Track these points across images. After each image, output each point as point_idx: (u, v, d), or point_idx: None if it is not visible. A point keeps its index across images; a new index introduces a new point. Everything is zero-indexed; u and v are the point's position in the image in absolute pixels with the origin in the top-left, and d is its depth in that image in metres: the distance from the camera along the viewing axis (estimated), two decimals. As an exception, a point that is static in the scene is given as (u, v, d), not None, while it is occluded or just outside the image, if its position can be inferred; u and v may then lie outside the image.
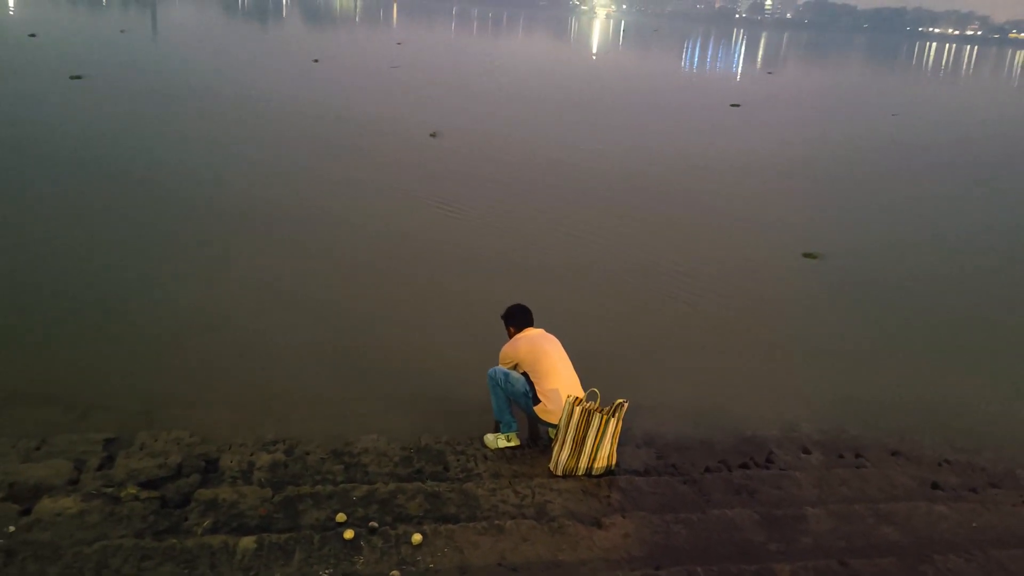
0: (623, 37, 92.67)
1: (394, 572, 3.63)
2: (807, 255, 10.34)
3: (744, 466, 5.35)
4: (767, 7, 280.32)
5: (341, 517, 4.10)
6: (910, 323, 8.61)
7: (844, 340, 7.98)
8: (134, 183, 11.15)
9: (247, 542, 3.74)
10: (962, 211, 14.36)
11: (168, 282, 7.85)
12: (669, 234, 11.12)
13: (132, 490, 4.19)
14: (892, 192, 15.20)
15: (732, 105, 26.89)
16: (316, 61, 29.30)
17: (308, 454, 4.98)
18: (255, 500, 4.24)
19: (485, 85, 27.77)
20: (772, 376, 7.06)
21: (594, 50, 62.52)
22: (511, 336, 5.42)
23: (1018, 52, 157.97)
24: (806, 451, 5.68)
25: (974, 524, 4.63)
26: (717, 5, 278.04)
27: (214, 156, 13.27)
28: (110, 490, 4.20)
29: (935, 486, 5.22)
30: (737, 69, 51.95)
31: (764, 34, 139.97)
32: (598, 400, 4.85)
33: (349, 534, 3.85)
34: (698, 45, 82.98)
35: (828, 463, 5.49)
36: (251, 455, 4.90)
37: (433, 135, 16.52)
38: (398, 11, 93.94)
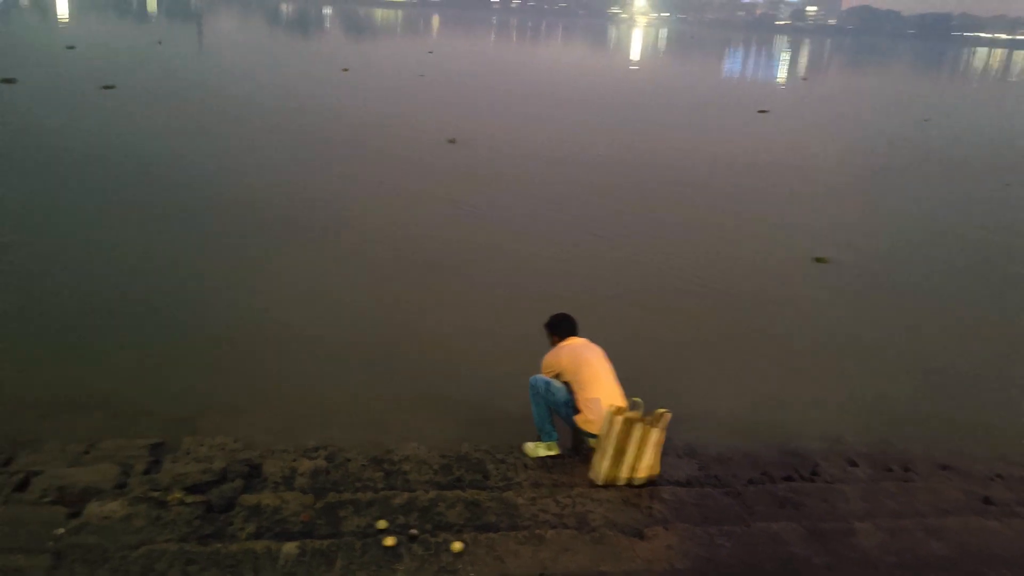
0: (662, 45, 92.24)
1: (435, 580, 3.64)
2: (818, 259, 10.31)
3: (789, 478, 5.25)
4: (809, 13, 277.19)
5: (382, 524, 4.11)
6: (951, 332, 8.40)
7: (886, 349, 7.81)
8: (166, 186, 11.43)
9: (290, 548, 3.77)
10: (991, 212, 14.03)
11: (210, 289, 7.98)
12: (700, 240, 11.01)
13: (178, 495, 4.25)
14: (915, 194, 14.95)
15: (760, 111, 26.61)
16: (345, 70, 29.70)
17: (349, 461, 5.01)
18: (297, 506, 4.28)
19: (507, 93, 27.95)
20: (815, 387, 6.93)
21: (633, 58, 62.37)
22: (553, 345, 5.40)
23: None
24: (852, 464, 5.57)
25: (1029, 541, 4.49)
26: (758, 12, 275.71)
27: (244, 159, 13.60)
28: (156, 494, 4.27)
29: (987, 501, 5.07)
30: (773, 75, 51.49)
31: (807, 40, 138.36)
32: (640, 409, 4.80)
33: (390, 541, 3.86)
34: (738, 52, 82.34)
35: (875, 476, 5.37)
36: (293, 461, 4.94)
37: (451, 141, 16.66)
38: (439, 22, 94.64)
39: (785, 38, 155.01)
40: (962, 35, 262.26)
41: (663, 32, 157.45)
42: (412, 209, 11.38)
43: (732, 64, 62.55)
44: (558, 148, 17.21)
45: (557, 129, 19.93)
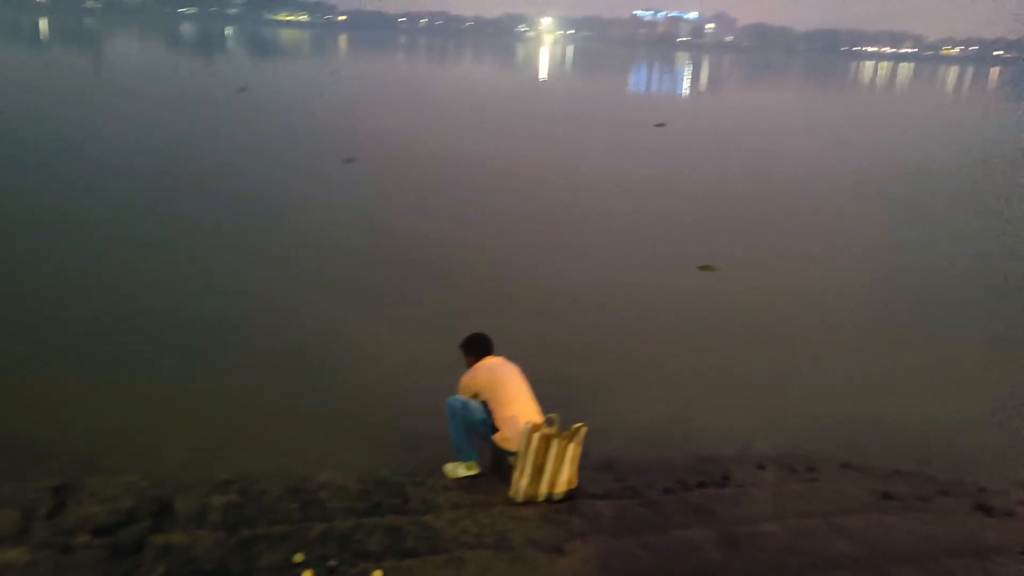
0: (568, 61, 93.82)
1: (354, 611, 3.59)
2: (704, 267, 10.69)
3: (702, 485, 5.40)
4: (708, 31, 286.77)
5: (299, 557, 4.04)
6: (849, 336, 8.82)
7: (789, 355, 8.13)
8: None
9: (202, 588, 3.66)
10: (875, 224, 14.73)
11: (104, 316, 7.71)
12: (601, 255, 11.26)
13: (84, 538, 4.08)
14: (818, 207, 15.66)
15: (657, 125, 27.52)
16: (243, 90, 29.00)
17: (264, 493, 4.89)
18: (209, 543, 4.16)
19: (407, 110, 28.01)
20: (724, 395, 7.16)
21: (542, 75, 63.27)
22: (470, 365, 5.42)
23: (951, 68, 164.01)
24: (761, 467, 5.77)
25: (926, 533, 4.75)
26: (660, 30, 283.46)
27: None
28: (61, 539, 4.08)
29: (887, 496, 5.33)
30: (674, 90, 53.08)
31: (706, 58, 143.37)
32: (556, 425, 4.87)
33: (308, 575, 3.79)
34: (641, 69, 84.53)
35: (782, 478, 5.58)
36: (205, 497, 4.80)
37: (348, 161, 16.60)
38: (347, 42, 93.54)
39: (687, 55, 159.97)
40: (851, 49, 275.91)
41: (569, 49, 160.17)
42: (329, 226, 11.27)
43: (635, 80, 64.12)
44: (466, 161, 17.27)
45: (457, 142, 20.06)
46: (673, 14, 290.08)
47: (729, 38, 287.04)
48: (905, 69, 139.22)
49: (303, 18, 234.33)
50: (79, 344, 7.21)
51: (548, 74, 62.42)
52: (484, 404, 5.24)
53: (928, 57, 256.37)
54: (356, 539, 4.28)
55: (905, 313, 9.64)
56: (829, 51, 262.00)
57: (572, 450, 4.83)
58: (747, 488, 5.30)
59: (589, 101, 37.03)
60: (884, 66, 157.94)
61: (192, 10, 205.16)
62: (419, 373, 6.91)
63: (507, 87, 45.51)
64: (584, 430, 4.87)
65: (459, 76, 52.86)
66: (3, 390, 6.27)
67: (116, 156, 15.64)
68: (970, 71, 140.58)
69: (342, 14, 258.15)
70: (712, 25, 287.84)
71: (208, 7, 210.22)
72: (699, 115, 35.30)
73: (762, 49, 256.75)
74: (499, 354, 5.46)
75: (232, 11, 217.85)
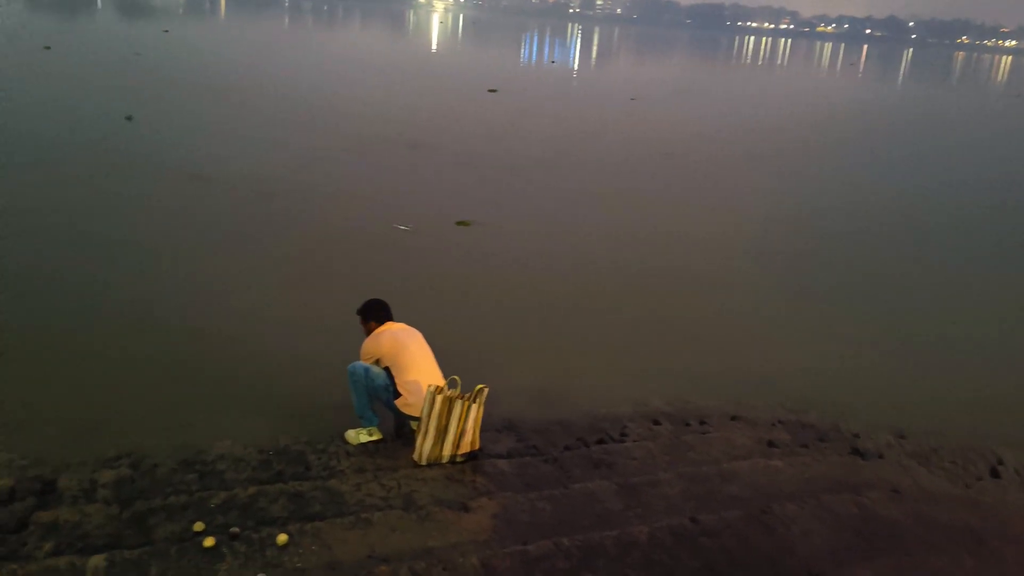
0: (459, 31, 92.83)
1: (260, 575, 3.53)
2: (460, 223, 10.89)
3: (601, 441, 5.58)
4: (598, 3, 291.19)
5: (199, 526, 3.93)
6: (735, 292, 9.25)
7: (677, 316, 8.47)
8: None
9: (96, 560, 3.52)
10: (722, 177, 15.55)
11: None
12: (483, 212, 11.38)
13: (-43, 519, 3.83)
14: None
15: (490, 90, 27.94)
16: (48, 48, 26.38)
17: (157, 466, 4.72)
18: (101, 518, 3.98)
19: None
20: (621, 355, 7.38)
21: (432, 44, 62.49)
22: (369, 332, 5.36)
23: (826, 44, 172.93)
24: (656, 423, 6.00)
25: (807, 475, 5.08)
26: (551, 1, 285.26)
27: None
28: (-69, 521, 3.82)
29: (771, 444, 5.66)
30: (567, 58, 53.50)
31: (596, 29, 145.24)
32: (459, 387, 4.90)
33: (209, 542, 3.70)
34: (531, 38, 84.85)
35: (676, 432, 5.83)
36: (92, 473, 4.58)
37: (128, 118, 16.00)
38: (226, 5, 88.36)
39: (577, 25, 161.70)
40: (735, 24, 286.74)
41: (460, 17, 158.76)
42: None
43: (520, 49, 64.23)
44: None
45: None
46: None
47: (618, 11, 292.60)
48: (782, 45, 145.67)
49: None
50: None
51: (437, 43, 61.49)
52: (386, 370, 5.21)
53: (805, 33, 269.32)
54: (259, 506, 4.20)
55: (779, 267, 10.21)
56: (715, 26, 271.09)
57: (475, 411, 4.88)
58: (643, 442, 5.50)
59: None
60: (765, 41, 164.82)
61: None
62: (315, 343, 6.79)
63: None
64: (486, 391, 4.93)
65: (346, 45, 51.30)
66: None
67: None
68: (842, 48, 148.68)
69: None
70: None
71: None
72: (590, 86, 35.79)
73: (649, 21, 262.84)
74: (398, 320, 5.43)
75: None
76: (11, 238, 8.71)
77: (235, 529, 3.86)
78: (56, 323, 6.83)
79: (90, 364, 6.18)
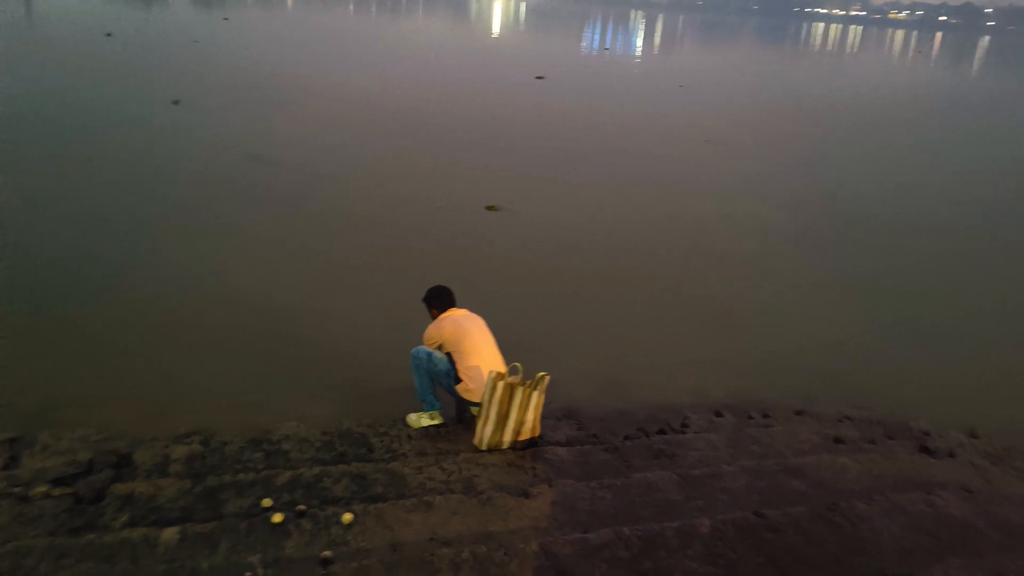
0: (521, 18, 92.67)
1: (326, 552, 3.60)
2: (489, 207, 10.83)
3: (661, 432, 5.53)
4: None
5: (267, 502, 4.03)
6: (794, 284, 9.05)
7: (743, 304, 8.32)
8: None
9: (170, 533, 3.63)
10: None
11: (61, 270, 7.48)
12: (559, 204, 11.32)
13: (42, 488, 3.99)
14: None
15: (537, 78, 27.58)
16: (109, 35, 27.01)
17: (226, 444, 4.86)
18: (174, 492, 4.11)
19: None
20: (682, 345, 7.29)
21: (494, 30, 62.52)
22: (434, 318, 5.41)
23: (897, 32, 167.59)
24: (718, 414, 5.92)
25: (874, 472, 4.95)
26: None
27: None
28: (17, 490, 3.99)
29: (838, 440, 5.53)
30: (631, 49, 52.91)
31: (661, 16, 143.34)
32: (520, 374, 4.91)
33: (278, 518, 3.79)
34: (596, 26, 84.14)
35: (739, 424, 5.74)
36: (166, 448, 4.74)
37: (176, 102, 16.32)
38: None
39: (640, 13, 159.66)
40: (803, 11, 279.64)
41: (522, 5, 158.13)
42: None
43: (589, 37, 63.71)
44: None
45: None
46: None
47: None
48: (852, 33, 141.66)
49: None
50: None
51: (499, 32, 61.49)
52: (448, 356, 5.25)
53: (876, 20, 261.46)
54: (323, 486, 4.28)
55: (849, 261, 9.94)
56: (782, 12, 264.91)
57: (536, 398, 4.88)
58: (705, 434, 5.44)
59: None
60: (835, 29, 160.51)
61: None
62: (381, 328, 6.89)
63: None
64: (547, 378, 4.92)
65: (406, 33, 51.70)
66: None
67: None
68: (914, 36, 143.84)
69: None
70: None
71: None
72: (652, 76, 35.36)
73: (716, 8, 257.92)
74: (462, 307, 5.46)
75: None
76: (53, 222, 9.03)
77: (302, 507, 3.95)
78: (131, 299, 7.09)
79: (168, 343, 6.39)
